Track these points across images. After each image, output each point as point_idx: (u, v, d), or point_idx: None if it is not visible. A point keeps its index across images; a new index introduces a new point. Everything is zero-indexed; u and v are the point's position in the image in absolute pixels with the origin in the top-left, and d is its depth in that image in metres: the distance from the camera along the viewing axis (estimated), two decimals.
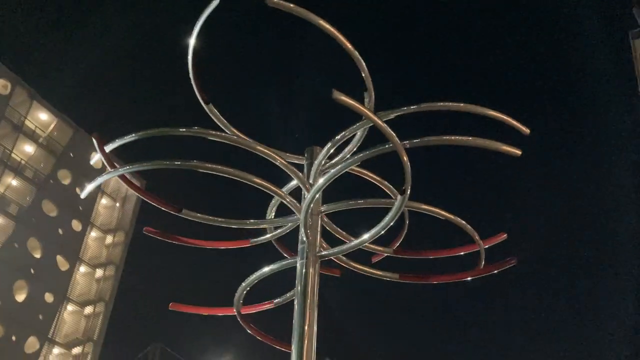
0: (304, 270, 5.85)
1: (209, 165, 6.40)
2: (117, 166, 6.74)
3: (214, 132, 6.33)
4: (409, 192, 5.62)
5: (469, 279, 7.21)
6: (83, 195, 6.51)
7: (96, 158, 6.55)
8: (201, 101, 6.88)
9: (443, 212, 6.97)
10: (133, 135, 6.33)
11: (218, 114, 6.84)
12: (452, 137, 6.47)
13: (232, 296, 7.11)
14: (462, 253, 7.69)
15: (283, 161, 6.48)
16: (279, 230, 7.03)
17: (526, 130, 6.44)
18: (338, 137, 6.81)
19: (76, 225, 47.96)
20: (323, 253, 6.36)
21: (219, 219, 7.02)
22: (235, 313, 7.15)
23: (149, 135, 6.49)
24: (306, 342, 5.16)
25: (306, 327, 5.26)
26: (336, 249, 6.58)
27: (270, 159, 6.42)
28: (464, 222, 7.10)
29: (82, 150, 50.09)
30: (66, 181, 47.96)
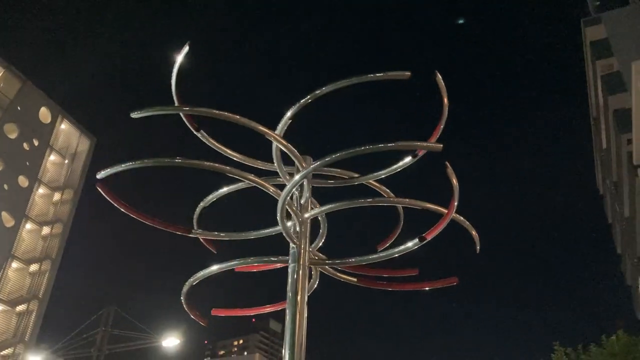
0: (295, 277, 6.05)
1: (207, 164, 6.22)
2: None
3: (217, 112, 6.03)
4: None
5: (427, 288, 7.31)
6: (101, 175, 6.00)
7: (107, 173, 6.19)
8: (191, 129, 6.73)
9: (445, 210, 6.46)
10: (138, 112, 5.97)
11: (210, 139, 6.81)
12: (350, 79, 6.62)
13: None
14: (405, 275, 7.63)
15: (282, 141, 6.46)
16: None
17: (406, 74, 6.42)
18: (302, 101, 6.65)
19: (22, 181, 46.57)
20: (314, 261, 6.61)
21: (233, 234, 7.12)
22: (186, 307, 7.12)
23: (159, 113, 6.27)
24: (297, 347, 5.55)
25: (297, 332, 5.63)
26: (331, 261, 6.81)
27: (268, 137, 6.28)
28: (462, 218, 6.81)
29: (30, 103, 48.38)
30: (13, 135, 46.29)
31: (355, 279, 7.14)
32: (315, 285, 6.99)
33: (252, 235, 7.06)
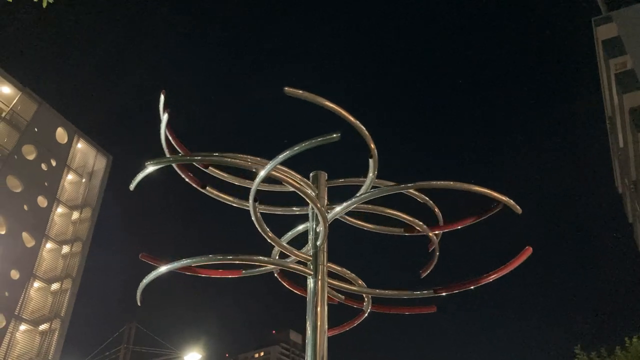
0: (314, 291, 6.11)
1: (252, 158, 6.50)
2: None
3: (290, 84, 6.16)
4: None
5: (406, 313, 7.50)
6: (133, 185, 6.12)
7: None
8: (197, 187, 6.90)
9: (493, 194, 6.23)
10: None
11: (218, 193, 6.84)
12: None
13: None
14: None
15: (350, 117, 6.17)
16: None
17: (336, 136, 6.30)
18: None
19: (42, 201, 47.23)
20: (335, 284, 6.70)
21: (253, 271, 7.30)
22: (138, 301, 7.09)
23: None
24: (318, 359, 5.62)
25: (318, 345, 5.65)
26: (355, 288, 6.95)
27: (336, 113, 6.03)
28: (512, 200, 6.30)
29: (46, 124, 49.18)
30: (31, 157, 47.02)
31: (343, 297, 7.32)
32: (366, 314, 7.18)
33: (271, 266, 7.10)
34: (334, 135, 5.31)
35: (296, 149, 5.64)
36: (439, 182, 6.20)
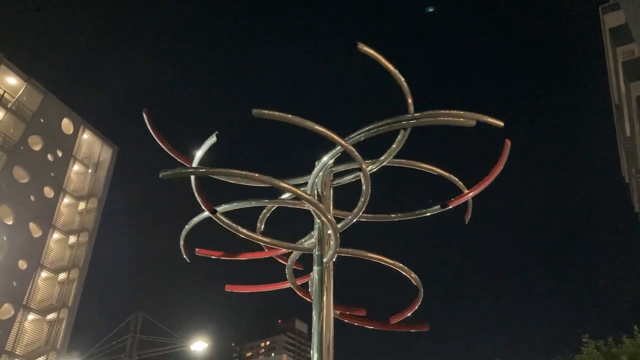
0: (320, 281, 6.02)
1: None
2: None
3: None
4: None
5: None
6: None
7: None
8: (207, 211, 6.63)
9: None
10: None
11: (225, 220, 6.48)
12: None
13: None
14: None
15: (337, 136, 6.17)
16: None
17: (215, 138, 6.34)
18: None
19: (48, 191, 47.44)
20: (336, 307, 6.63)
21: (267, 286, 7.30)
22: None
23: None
24: (324, 349, 5.55)
25: (324, 334, 5.60)
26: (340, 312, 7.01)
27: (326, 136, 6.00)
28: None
29: (52, 115, 49.25)
30: (37, 147, 47.15)
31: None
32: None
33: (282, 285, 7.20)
34: (213, 136, 5.88)
35: (199, 154, 6.16)
36: (440, 112, 6.44)
